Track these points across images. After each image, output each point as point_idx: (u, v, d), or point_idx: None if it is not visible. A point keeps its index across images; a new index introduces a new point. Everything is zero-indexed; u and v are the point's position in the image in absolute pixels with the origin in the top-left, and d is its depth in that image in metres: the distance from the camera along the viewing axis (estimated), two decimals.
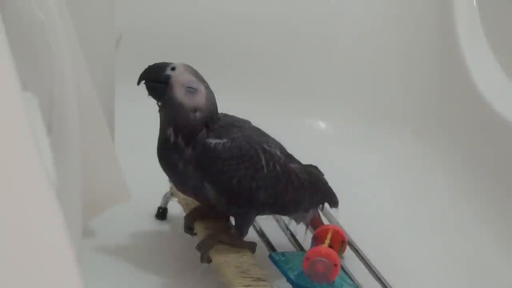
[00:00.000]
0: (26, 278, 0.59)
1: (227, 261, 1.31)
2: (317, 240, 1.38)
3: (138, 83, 1.31)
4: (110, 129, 1.41)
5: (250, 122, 1.38)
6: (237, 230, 1.36)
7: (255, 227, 1.42)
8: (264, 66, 1.91)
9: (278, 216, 1.45)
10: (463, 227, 1.61)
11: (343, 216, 1.47)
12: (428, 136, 1.80)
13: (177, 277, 1.40)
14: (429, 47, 1.85)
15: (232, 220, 1.39)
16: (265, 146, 1.33)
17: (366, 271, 1.40)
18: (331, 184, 1.42)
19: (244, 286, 1.26)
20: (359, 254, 1.43)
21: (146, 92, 1.31)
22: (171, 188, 1.49)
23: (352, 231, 1.47)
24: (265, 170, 1.32)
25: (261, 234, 1.42)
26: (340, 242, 1.39)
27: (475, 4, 1.79)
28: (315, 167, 1.42)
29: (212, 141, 1.30)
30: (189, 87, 1.29)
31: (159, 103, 1.31)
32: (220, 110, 1.33)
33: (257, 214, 1.37)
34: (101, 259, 1.41)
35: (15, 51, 0.81)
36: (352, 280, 1.35)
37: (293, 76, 1.92)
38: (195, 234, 1.40)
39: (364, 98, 1.90)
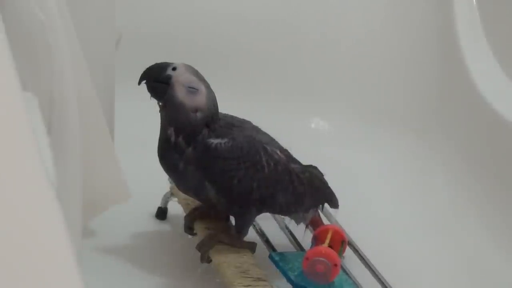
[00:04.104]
0: (26, 278, 0.59)
1: (227, 261, 1.31)
2: (317, 240, 1.38)
3: (139, 83, 1.31)
4: (110, 129, 1.41)
5: (250, 122, 1.38)
6: (237, 230, 1.36)
7: (255, 227, 1.42)
8: (264, 66, 1.91)
9: (278, 216, 1.45)
10: (463, 227, 1.61)
11: (343, 216, 1.47)
12: (428, 136, 1.80)
13: (177, 277, 1.40)
14: (429, 47, 1.85)
15: (232, 220, 1.39)
16: (266, 146, 1.33)
17: (366, 271, 1.40)
18: (331, 184, 1.42)
19: (244, 286, 1.27)
20: (359, 254, 1.43)
21: (146, 92, 1.31)
22: (171, 188, 1.49)
23: (352, 231, 1.47)
24: (266, 170, 1.32)
25: (261, 234, 1.42)
26: (340, 242, 1.39)
27: (475, 4, 1.79)
28: (315, 168, 1.42)
29: (213, 141, 1.30)
30: (190, 87, 1.29)
31: (160, 103, 1.31)
32: (220, 110, 1.33)
33: (257, 214, 1.37)
34: (101, 259, 1.41)
35: (15, 51, 0.81)
36: (352, 280, 1.35)
37: (293, 76, 1.92)
38: (195, 234, 1.40)
39: (364, 98, 1.90)
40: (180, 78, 1.29)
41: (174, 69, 1.30)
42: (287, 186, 1.34)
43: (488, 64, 1.73)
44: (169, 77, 1.29)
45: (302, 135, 1.83)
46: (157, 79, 1.30)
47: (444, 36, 1.82)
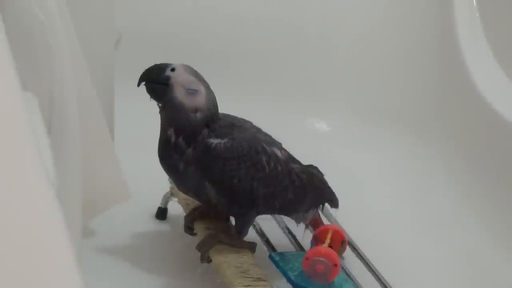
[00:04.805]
0: (26, 278, 0.59)
1: (227, 261, 1.31)
2: (317, 240, 1.38)
3: (138, 84, 1.31)
4: (110, 129, 1.41)
5: (251, 122, 1.38)
6: (237, 230, 1.36)
7: (255, 227, 1.42)
8: (264, 66, 1.91)
9: (278, 216, 1.45)
10: (463, 227, 1.61)
11: (343, 216, 1.47)
12: (428, 136, 1.80)
13: (177, 277, 1.40)
14: (429, 47, 1.85)
15: (232, 220, 1.39)
16: (266, 146, 1.33)
17: (366, 271, 1.40)
18: (331, 184, 1.42)
19: (244, 286, 1.26)
20: (359, 254, 1.43)
21: (146, 92, 1.31)
22: (171, 188, 1.49)
23: (352, 231, 1.47)
24: (266, 170, 1.32)
25: (261, 234, 1.42)
26: (340, 242, 1.39)
27: (475, 4, 1.79)
28: (315, 168, 1.42)
29: (213, 141, 1.30)
30: (189, 88, 1.29)
31: (160, 104, 1.31)
32: (220, 110, 1.33)
33: (257, 214, 1.37)
34: (101, 259, 1.41)
35: (15, 51, 0.81)
36: (352, 280, 1.35)
37: (293, 76, 1.91)
38: (195, 234, 1.40)
39: (364, 98, 1.90)
40: (179, 79, 1.29)
41: (173, 70, 1.30)
42: (287, 186, 1.34)
43: (488, 64, 1.73)
44: (168, 78, 1.29)
45: (302, 135, 1.83)
46: (156, 80, 1.30)
47: (444, 36, 1.82)
